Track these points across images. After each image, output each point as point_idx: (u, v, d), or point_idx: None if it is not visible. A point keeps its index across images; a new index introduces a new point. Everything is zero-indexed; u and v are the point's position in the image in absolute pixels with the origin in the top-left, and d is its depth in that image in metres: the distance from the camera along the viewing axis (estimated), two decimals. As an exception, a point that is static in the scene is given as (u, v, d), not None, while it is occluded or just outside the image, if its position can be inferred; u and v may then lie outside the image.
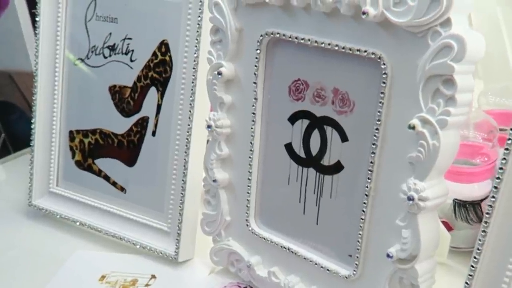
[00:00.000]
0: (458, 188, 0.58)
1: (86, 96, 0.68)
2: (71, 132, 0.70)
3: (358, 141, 0.47)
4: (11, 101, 0.97)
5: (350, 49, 0.44)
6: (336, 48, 0.45)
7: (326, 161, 0.49)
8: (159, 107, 0.62)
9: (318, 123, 0.49)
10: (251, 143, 0.54)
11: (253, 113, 0.53)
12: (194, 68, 0.57)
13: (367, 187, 0.46)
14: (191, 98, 0.58)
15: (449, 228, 0.60)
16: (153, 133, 0.63)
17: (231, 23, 0.51)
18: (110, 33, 0.64)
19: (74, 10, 0.67)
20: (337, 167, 0.49)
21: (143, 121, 0.63)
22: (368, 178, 0.46)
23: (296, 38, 0.47)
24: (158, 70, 0.61)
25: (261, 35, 0.50)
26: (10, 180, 0.84)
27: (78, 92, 0.69)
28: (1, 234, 0.68)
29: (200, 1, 0.56)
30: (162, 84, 0.61)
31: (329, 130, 0.49)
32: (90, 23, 0.66)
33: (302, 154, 0.51)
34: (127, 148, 0.65)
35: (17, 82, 0.94)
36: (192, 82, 0.58)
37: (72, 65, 0.68)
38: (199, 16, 0.56)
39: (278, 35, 0.49)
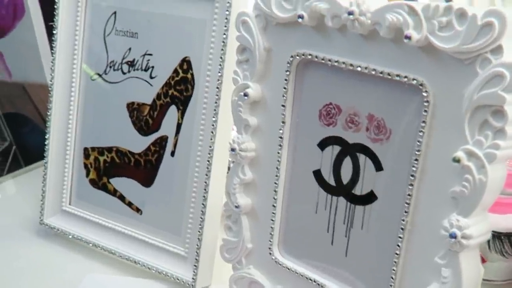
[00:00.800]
0: (493, 219, 0.55)
1: (102, 112, 0.65)
2: (86, 149, 0.67)
3: (394, 171, 0.44)
4: (23, 113, 0.95)
5: (388, 74, 0.42)
6: (373, 72, 0.42)
7: (358, 190, 0.47)
8: (179, 126, 0.60)
9: (350, 150, 0.47)
10: (277, 168, 0.51)
11: (280, 137, 0.50)
12: (217, 88, 0.55)
13: (403, 220, 0.43)
14: (213, 119, 0.56)
15: (482, 260, 0.56)
16: (172, 153, 0.60)
17: (260, 42, 0.49)
18: (130, 49, 0.62)
19: (92, 24, 0.65)
20: (370, 198, 0.46)
21: (162, 141, 0.61)
22: (405, 211, 0.43)
23: (329, 60, 0.45)
24: (179, 88, 0.59)
25: (292, 56, 0.47)
26: (20, 195, 0.82)
27: (94, 108, 0.66)
28: (10, 253, 0.66)
29: (226, 19, 0.53)
30: (182, 103, 0.59)
31: (362, 158, 0.46)
32: (109, 38, 0.64)
33: (332, 181, 0.48)
34: (144, 168, 0.63)
35: (30, 94, 0.92)
36: (215, 102, 0.55)
37: (89, 80, 0.66)
38: (224, 34, 0.54)
39: (310, 57, 0.46)
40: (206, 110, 0.57)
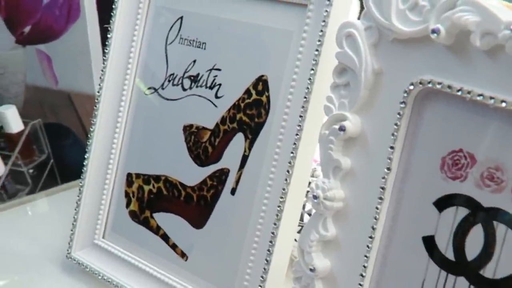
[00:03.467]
0: None
1: (154, 133, 0.55)
2: (129, 175, 0.57)
3: (553, 255, 0.32)
4: (65, 124, 0.87)
5: None
6: (538, 114, 0.30)
7: (490, 272, 0.34)
8: (244, 159, 0.49)
9: (484, 216, 0.34)
10: (372, 227, 0.39)
11: (382, 188, 0.38)
12: (300, 116, 0.44)
13: None
14: (291, 154, 0.44)
15: None
16: (233, 191, 0.49)
17: (368, 62, 0.37)
18: (195, 61, 0.52)
19: (153, 29, 0.55)
20: (509, 284, 0.33)
21: (222, 174, 0.50)
22: None
23: (468, 92, 0.33)
24: (250, 113, 0.48)
25: (412, 84, 0.36)
26: (52, 217, 0.72)
27: (145, 127, 0.56)
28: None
29: (321, 31, 0.43)
30: (252, 131, 0.48)
31: (502, 229, 0.33)
32: (171, 47, 0.54)
33: (450, 255, 0.36)
34: (197, 205, 0.52)
35: (76, 104, 0.84)
36: (296, 134, 0.44)
37: (142, 94, 0.56)
38: (316, 50, 0.43)
39: (439, 86, 0.35)
40: (282, 142, 0.45)
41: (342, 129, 0.39)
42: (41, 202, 0.78)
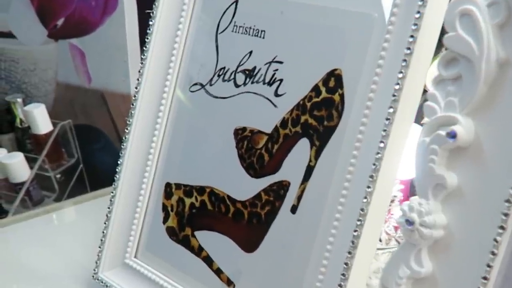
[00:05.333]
0: None
1: (198, 137, 0.47)
2: (168, 186, 0.49)
3: None
4: (97, 126, 0.81)
5: None
6: None
7: None
8: (309, 170, 0.40)
9: None
10: (488, 265, 0.30)
11: (505, 214, 0.29)
12: (387, 119, 0.35)
13: None
14: (373, 166, 0.35)
15: None
16: (293, 209, 0.41)
17: (491, 49, 0.29)
18: (251, 52, 0.44)
19: (203, 15, 0.48)
20: None
21: (280, 188, 0.42)
22: None
23: None
24: (318, 115, 0.40)
25: (557, 76, 0.27)
26: (79, 229, 0.65)
27: (188, 130, 0.48)
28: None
29: (418, 12, 0.34)
30: (320, 136, 0.40)
31: None
32: (222, 36, 0.46)
33: None
34: (248, 224, 0.43)
35: (109, 105, 0.77)
36: (381, 142, 0.35)
37: (187, 91, 0.48)
38: (411, 36, 0.34)
39: None
40: (360, 151, 0.37)
41: (451, 135, 0.30)
42: (68, 211, 0.72)
